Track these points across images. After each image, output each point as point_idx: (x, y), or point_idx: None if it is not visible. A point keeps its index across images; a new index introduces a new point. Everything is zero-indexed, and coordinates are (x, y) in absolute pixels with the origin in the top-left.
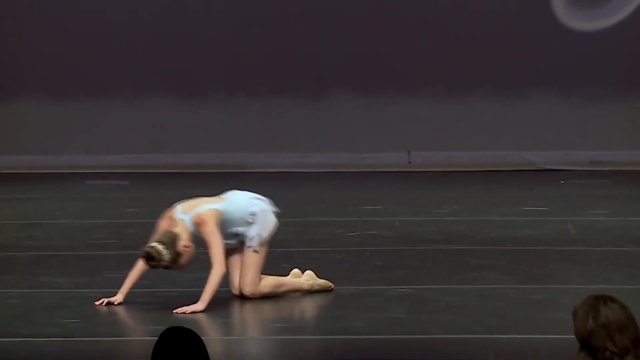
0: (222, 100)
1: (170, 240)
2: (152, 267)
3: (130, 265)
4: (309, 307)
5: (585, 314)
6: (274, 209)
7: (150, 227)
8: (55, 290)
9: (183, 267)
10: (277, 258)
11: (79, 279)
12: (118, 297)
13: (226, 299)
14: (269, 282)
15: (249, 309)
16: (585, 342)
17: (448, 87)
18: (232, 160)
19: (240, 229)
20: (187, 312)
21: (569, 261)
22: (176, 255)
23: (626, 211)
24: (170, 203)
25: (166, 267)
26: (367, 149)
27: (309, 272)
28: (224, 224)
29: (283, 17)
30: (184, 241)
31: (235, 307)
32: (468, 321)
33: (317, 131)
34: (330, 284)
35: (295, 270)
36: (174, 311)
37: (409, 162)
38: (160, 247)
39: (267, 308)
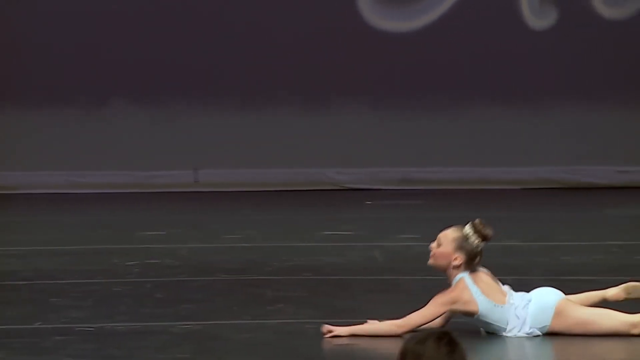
0: None
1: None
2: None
3: None
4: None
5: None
6: None
7: None
8: None
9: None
10: (43, 292)
11: None
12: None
13: None
14: None
15: None
16: None
17: (239, 96)
18: None
19: None
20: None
21: (375, 292)
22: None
23: None
24: None
25: None
26: (149, 166)
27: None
28: None
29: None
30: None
31: None
32: None
33: (94, 146)
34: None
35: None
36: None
37: (196, 181)
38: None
39: None
